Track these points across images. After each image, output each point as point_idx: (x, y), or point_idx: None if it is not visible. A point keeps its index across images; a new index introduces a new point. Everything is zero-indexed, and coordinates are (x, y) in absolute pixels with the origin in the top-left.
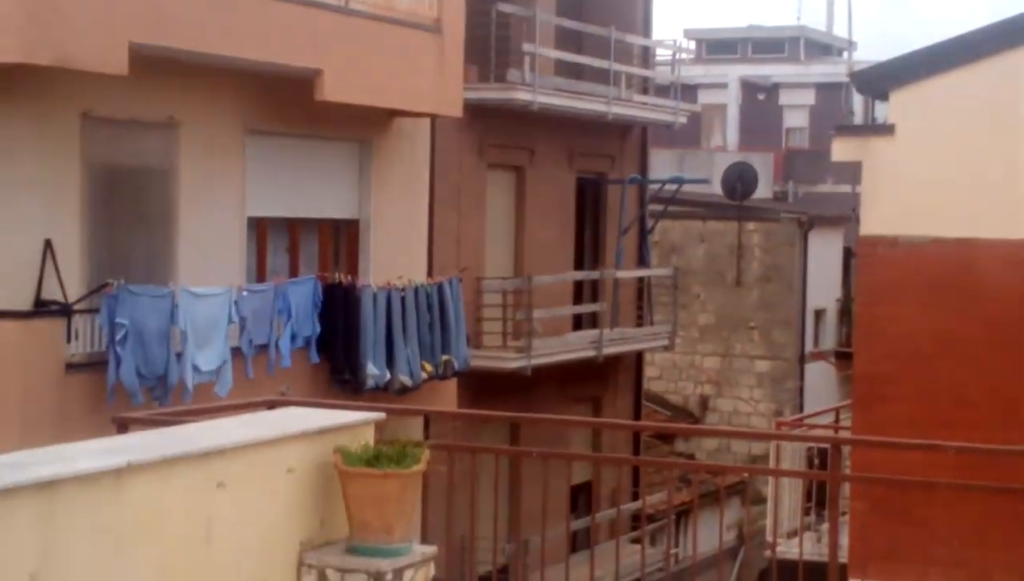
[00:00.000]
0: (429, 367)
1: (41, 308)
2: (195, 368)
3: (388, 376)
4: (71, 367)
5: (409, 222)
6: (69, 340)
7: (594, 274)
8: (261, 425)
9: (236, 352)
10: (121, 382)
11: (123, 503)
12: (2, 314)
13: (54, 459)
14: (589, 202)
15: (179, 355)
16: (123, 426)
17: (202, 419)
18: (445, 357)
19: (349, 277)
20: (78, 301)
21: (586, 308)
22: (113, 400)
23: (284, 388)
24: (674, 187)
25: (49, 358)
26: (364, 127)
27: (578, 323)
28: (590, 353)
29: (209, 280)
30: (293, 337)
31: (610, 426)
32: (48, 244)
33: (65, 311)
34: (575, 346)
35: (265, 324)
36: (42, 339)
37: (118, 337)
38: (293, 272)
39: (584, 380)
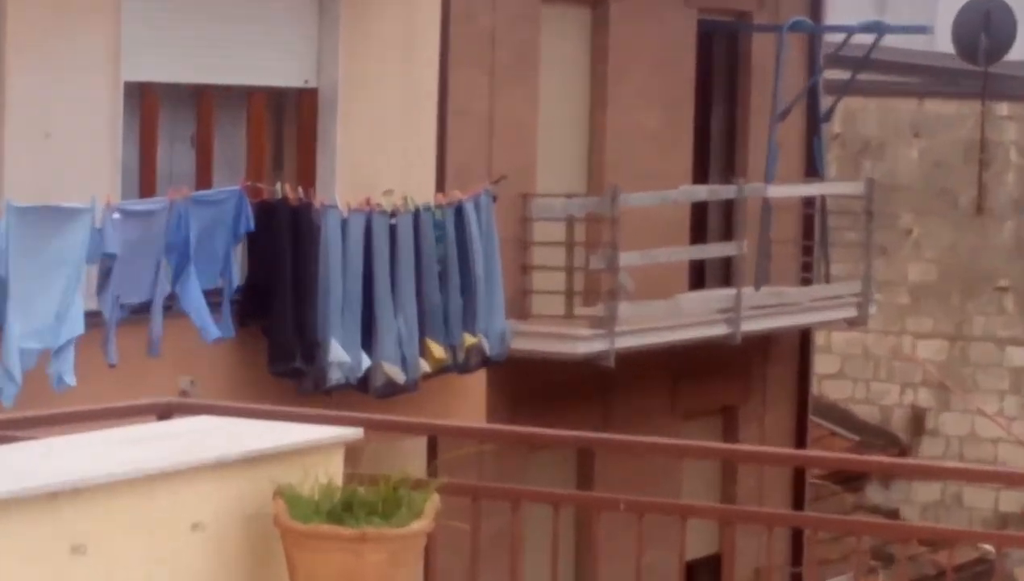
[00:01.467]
0: (439, 351)
1: None
2: (21, 347)
3: (366, 365)
4: None
5: (404, 95)
6: None
7: (727, 191)
8: (146, 448)
9: (94, 318)
10: None
11: None
12: None
13: None
14: (719, 64)
15: None
16: None
17: (35, 435)
18: (468, 336)
19: (300, 190)
20: None
21: (713, 251)
22: None
23: (187, 382)
24: (869, 39)
25: None
26: None
27: (698, 279)
28: (719, 330)
29: (55, 191)
30: (197, 294)
31: (753, 458)
32: None
33: None
34: (693, 318)
35: (149, 270)
36: None
37: None
38: (202, 180)
39: (708, 377)
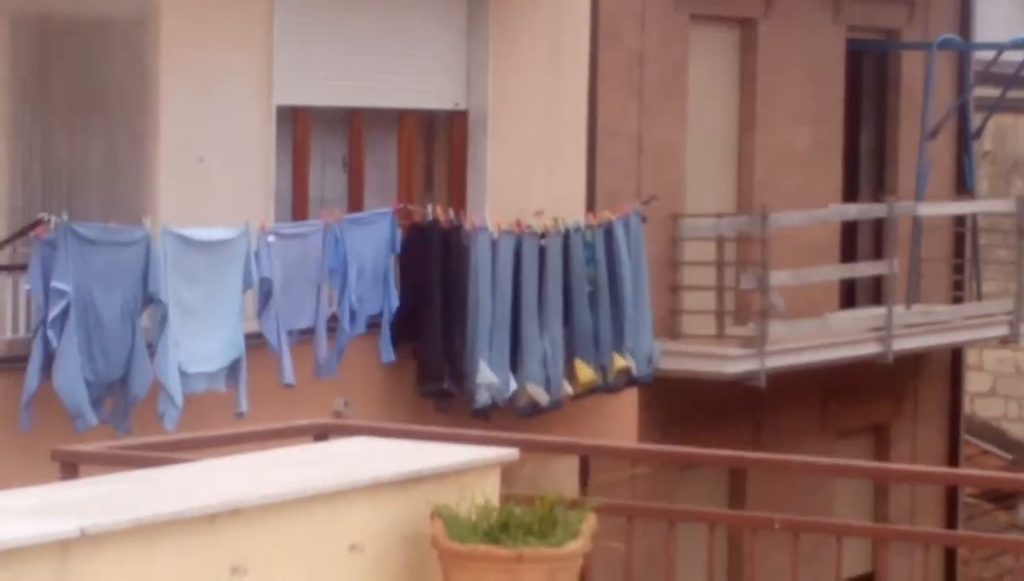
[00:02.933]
0: (587, 372)
1: None
2: (182, 371)
3: (514, 386)
4: None
5: (553, 116)
6: None
7: (877, 209)
8: (303, 469)
9: (253, 340)
10: (57, 392)
11: None
12: None
13: None
14: (868, 82)
15: (150, 346)
16: (70, 466)
17: (199, 457)
18: (617, 357)
19: (451, 212)
20: None
21: (863, 269)
22: (29, 421)
23: (342, 403)
24: (1020, 56)
25: None
26: None
27: (848, 297)
28: (870, 349)
29: (210, 215)
30: (352, 315)
31: (905, 477)
32: None
33: None
34: (844, 337)
35: (311, 293)
36: None
37: (53, 312)
38: (354, 203)
39: (859, 395)
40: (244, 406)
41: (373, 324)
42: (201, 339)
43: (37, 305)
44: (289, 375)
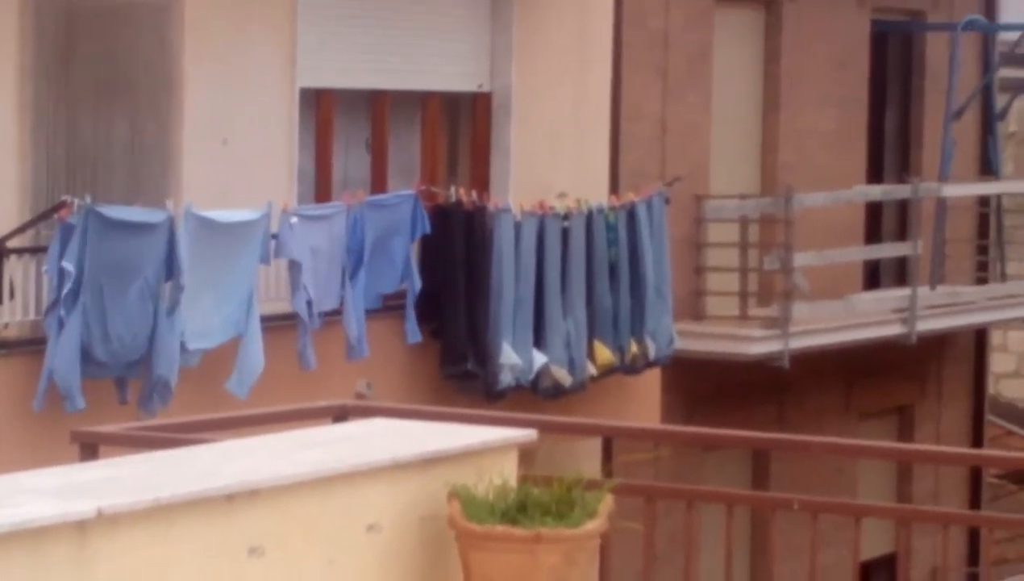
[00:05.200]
0: (605, 354)
1: None
2: (183, 347)
3: (538, 366)
4: (2, 346)
5: (577, 98)
6: (0, 300)
7: (902, 190)
8: (322, 450)
9: (274, 321)
10: (50, 370)
11: (86, 575)
12: None
13: None
14: (893, 64)
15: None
16: (89, 447)
17: (217, 438)
18: (636, 339)
19: (474, 194)
20: (14, 233)
21: (887, 250)
22: (43, 402)
23: (364, 385)
24: None
25: None
26: None
27: (872, 278)
28: (894, 330)
29: (233, 196)
30: (374, 296)
31: (929, 458)
32: None
33: None
34: (868, 318)
35: (328, 273)
36: None
37: (62, 292)
38: (377, 185)
39: (883, 377)
40: (234, 383)
41: (395, 306)
42: (203, 316)
43: (51, 286)
44: (311, 360)
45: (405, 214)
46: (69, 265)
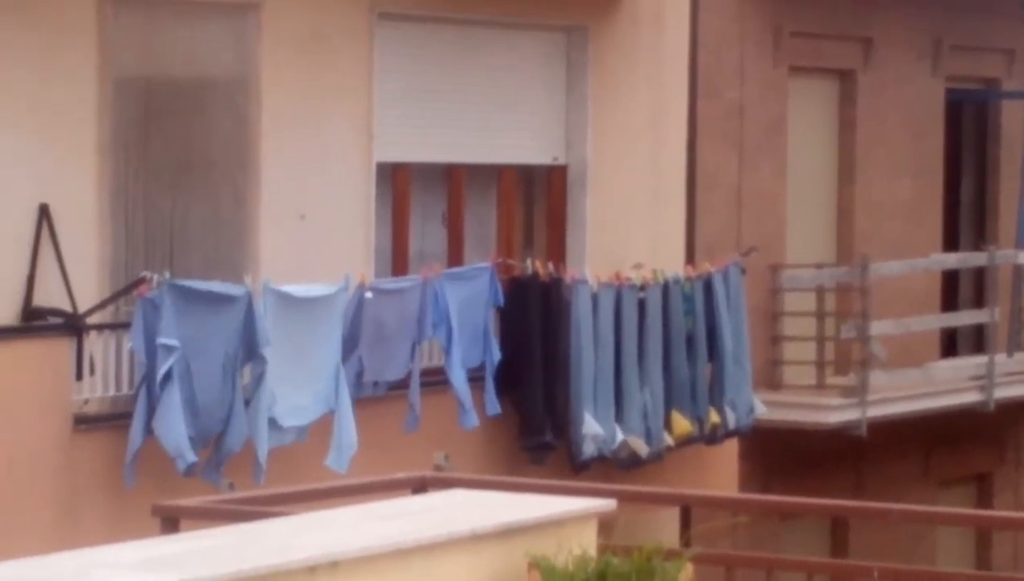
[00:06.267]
0: (684, 424)
1: (34, 322)
2: (274, 423)
3: (620, 438)
4: (83, 421)
5: (653, 169)
6: (80, 375)
7: (978, 258)
8: (401, 522)
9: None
10: (157, 435)
11: None
12: None
13: (61, 573)
14: (968, 132)
15: (248, 401)
16: (170, 521)
17: (298, 510)
18: (714, 409)
19: (550, 266)
20: (95, 309)
21: (964, 318)
22: (133, 476)
23: (441, 457)
24: None
25: (47, 404)
26: (577, 5)
27: (949, 347)
28: (971, 397)
29: (311, 271)
30: (461, 373)
31: (1008, 524)
32: (44, 213)
33: (73, 326)
34: (945, 386)
35: (404, 348)
36: (35, 373)
37: (163, 369)
38: (454, 258)
39: (961, 444)
40: (333, 459)
41: (474, 378)
42: (295, 393)
43: (139, 362)
44: (412, 422)
45: (482, 286)
46: (171, 340)
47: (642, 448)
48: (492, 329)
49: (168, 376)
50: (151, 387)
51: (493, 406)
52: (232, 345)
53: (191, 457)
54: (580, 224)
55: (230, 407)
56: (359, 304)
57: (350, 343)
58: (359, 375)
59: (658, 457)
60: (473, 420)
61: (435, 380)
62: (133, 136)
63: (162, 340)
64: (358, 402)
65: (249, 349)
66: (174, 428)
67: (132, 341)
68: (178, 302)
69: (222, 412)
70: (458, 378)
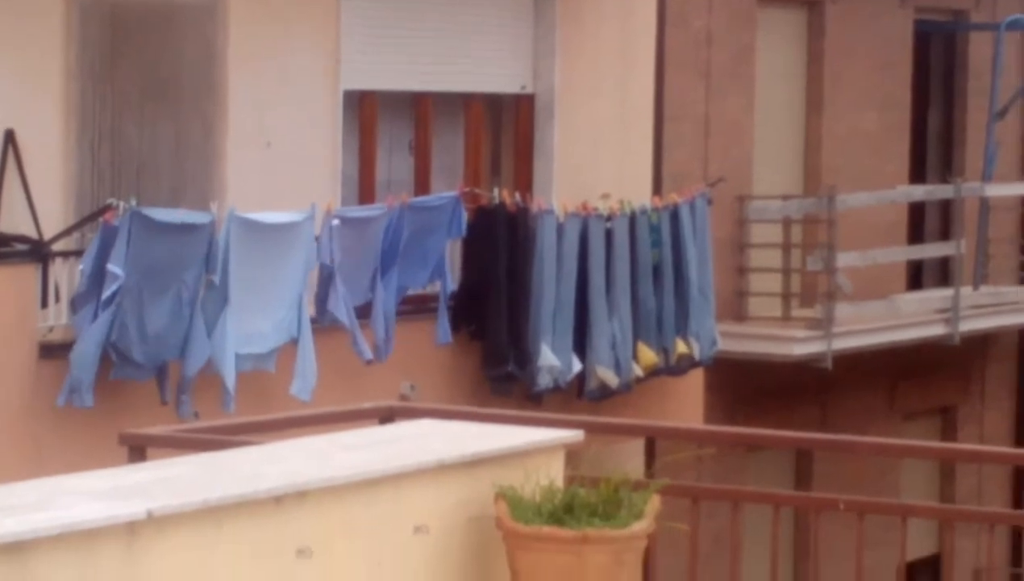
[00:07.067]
0: (649, 355)
1: None
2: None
3: (576, 369)
4: (48, 349)
5: (620, 99)
6: (45, 303)
7: (945, 191)
8: (368, 452)
9: (316, 324)
10: (71, 358)
11: (134, 576)
12: None
13: (25, 501)
14: (936, 64)
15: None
16: (137, 449)
17: (264, 440)
18: (679, 342)
19: (517, 195)
20: (60, 236)
21: (931, 251)
22: (64, 397)
23: (407, 386)
24: None
25: (12, 332)
26: None
27: (915, 279)
28: (937, 330)
29: (277, 199)
30: (399, 292)
31: (973, 457)
32: (10, 139)
33: (38, 253)
34: (911, 318)
35: (366, 275)
36: (0, 300)
37: (105, 294)
38: (421, 187)
39: (926, 377)
40: (297, 387)
41: (433, 308)
42: (253, 320)
43: (79, 282)
44: (366, 351)
45: (444, 215)
46: (116, 268)
47: (612, 379)
48: (448, 258)
49: (108, 303)
50: (98, 311)
51: (445, 335)
52: (192, 273)
53: (88, 401)
54: (547, 153)
55: (187, 334)
56: (327, 233)
57: (325, 273)
58: (324, 302)
59: (627, 388)
60: (387, 352)
61: (401, 310)
62: (99, 62)
63: (110, 266)
64: (323, 332)
65: (210, 276)
66: (85, 364)
67: (83, 263)
68: (139, 229)
69: (177, 339)
70: (386, 308)
